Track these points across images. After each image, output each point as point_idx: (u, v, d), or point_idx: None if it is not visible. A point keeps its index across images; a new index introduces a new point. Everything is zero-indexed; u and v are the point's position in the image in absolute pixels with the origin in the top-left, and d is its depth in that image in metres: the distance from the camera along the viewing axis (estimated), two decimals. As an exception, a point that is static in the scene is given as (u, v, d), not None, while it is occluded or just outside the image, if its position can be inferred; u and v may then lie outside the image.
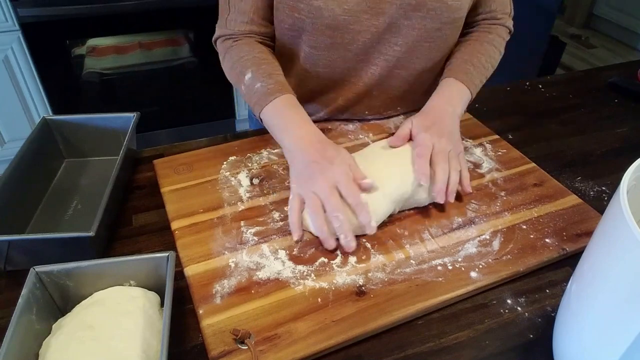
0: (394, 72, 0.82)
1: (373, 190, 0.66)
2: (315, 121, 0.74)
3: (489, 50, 0.83)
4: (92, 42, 1.91)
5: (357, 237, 0.66)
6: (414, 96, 0.88)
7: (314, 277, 0.60)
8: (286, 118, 0.73)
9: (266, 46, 0.82)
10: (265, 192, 0.73)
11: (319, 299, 0.58)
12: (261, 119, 0.75)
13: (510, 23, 0.87)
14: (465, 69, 0.80)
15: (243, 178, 0.75)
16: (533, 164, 0.81)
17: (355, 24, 0.74)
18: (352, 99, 0.86)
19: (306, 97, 0.86)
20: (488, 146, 0.85)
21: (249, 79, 0.75)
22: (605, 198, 0.78)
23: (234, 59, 0.78)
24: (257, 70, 0.75)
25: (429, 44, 0.79)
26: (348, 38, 0.76)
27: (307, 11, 0.73)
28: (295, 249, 0.64)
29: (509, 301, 0.61)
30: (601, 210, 0.70)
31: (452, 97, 0.79)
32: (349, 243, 0.62)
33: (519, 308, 0.60)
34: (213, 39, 0.83)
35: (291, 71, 0.84)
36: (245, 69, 0.76)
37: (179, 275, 0.60)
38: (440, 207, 0.71)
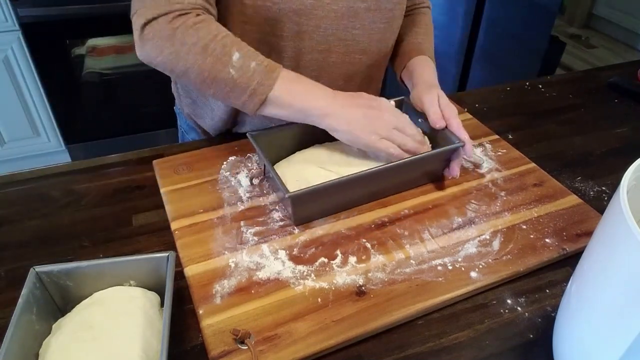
0: (355, 58, 0.82)
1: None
2: (282, 125, 0.73)
3: (431, 28, 0.94)
4: (92, 42, 1.91)
5: (357, 237, 0.66)
6: (373, 81, 0.91)
7: (314, 277, 0.60)
8: (306, 83, 0.69)
9: None
10: (265, 192, 0.73)
11: (319, 299, 0.58)
12: (263, 102, 0.66)
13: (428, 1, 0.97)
14: (427, 47, 0.89)
15: (243, 178, 0.75)
16: (533, 164, 0.81)
17: (318, 9, 0.74)
18: None
19: None
20: (488, 146, 0.85)
21: (239, 58, 0.65)
22: (605, 198, 0.78)
23: (206, 38, 0.65)
24: (242, 49, 0.66)
25: (384, 25, 0.81)
26: (312, 25, 0.75)
27: None
28: (295, 249, 0.64)
29: (509, 301, 0.61)
30: (601, 210, 0.70)
31: (429, 63, 0.87)
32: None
33: (519, 308, 0.60)
34: (142, 22, 0.65)
35: None
36: (229, 48, 0.65)
37: (179, 275, 0.60)
38: (440, 207, 0.72)
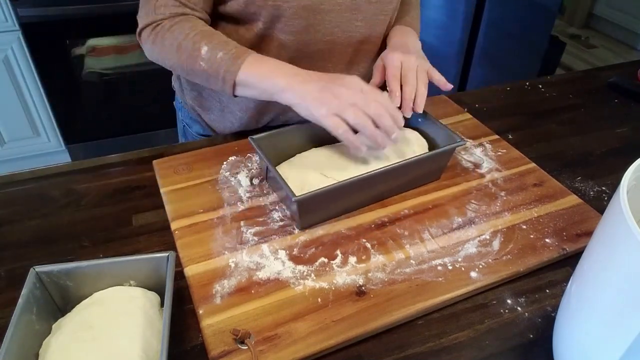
0: (360, 49, 0.85)
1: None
2: (285, 124, 0.73)
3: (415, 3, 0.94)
4: (92, 42, 1.90)
5: (357, 237, 0.66)
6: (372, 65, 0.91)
7: (314, 277, 0.60)
8: (270, 64, 0.70)
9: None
10: (265, 192, 0.73)
11: (319, 299, 0.58)
12: (234, 86, 0.71)
13: None
14: (409, 22, 0.90)
15: (243, 178, 0.75)
16: (533, 164, 0.81)
17: (325, 3, 0.76)
18: None
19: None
20: (488, 146, 0.85)
21: (207, 51, 0.70)
22: (605, 198, 0.78)
23: (179, 38, 0.71)
24: (211, 42, 0.71)
25: (384, 17, 0.83)
26: (318, 19, 0.77)
27: None
28: (295, 249, 0.64)
29: (509, 301, 0.61)
30: (601, 210, 0.70)
31: (406, 30, 0.86)
32: (397, 138, 0.68)
33: (519, 308, 0.60)
34: (138, 30, 0.76)
35: None
36: (198, 44, 0.71)
37: (179, 275, 0.60)
38: (440, 207, 0.72)
